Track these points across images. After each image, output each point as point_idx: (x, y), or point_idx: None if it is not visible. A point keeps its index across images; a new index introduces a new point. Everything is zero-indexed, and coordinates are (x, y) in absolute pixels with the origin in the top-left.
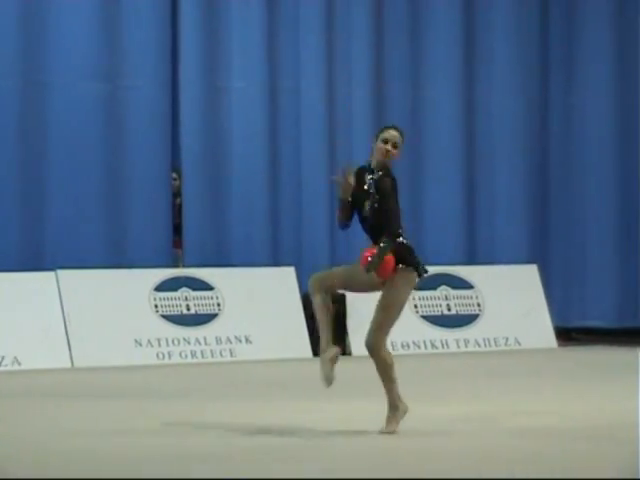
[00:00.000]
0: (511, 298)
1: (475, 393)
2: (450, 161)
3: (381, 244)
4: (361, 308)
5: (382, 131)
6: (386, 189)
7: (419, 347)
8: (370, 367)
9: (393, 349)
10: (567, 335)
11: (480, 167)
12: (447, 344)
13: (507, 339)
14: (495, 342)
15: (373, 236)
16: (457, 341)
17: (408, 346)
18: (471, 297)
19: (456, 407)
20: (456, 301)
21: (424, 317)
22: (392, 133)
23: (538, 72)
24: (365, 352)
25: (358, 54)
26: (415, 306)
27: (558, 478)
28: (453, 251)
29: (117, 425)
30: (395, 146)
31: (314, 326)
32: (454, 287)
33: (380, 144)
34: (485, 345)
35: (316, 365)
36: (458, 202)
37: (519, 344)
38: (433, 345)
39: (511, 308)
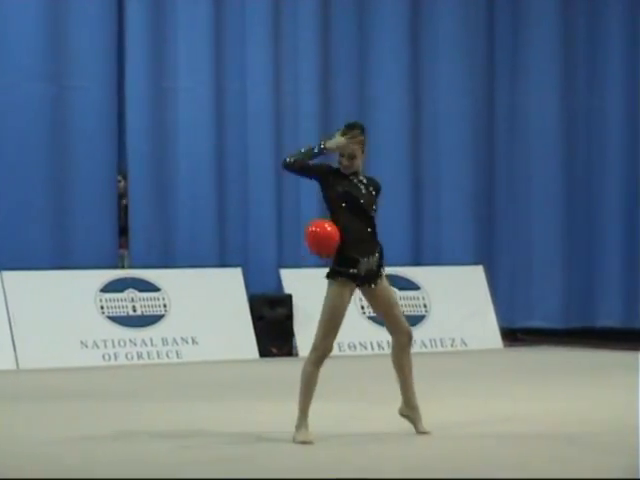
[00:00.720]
0: (457, 299)
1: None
2: (396, 161)
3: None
4: (306, 309)
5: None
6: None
7: (365, 348)
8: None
9: (340, 350)
10: (512, 336)
11: (426, 167)
12: None
13: (453, 340)
14: (441, 343)
15: (372, 238)
16: None
17: (355, 347)
18: (417, 298)
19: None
20: (402, 302)
21: (370, 318)
22: (342, 149)
23: (484, 71)
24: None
25: (304, 54)
26: (362, 307)
27: (558, 478)
28: (399, 252)
29: (65, 428)
30: (351, 157)
31: (261, 326)
32: (400, 288)
33: (339, 159)
34: (431, 346)
35: (262, 366)
36: (404, 202)
37: (465, 345)
38: (380, 346)
39: (457, 309)
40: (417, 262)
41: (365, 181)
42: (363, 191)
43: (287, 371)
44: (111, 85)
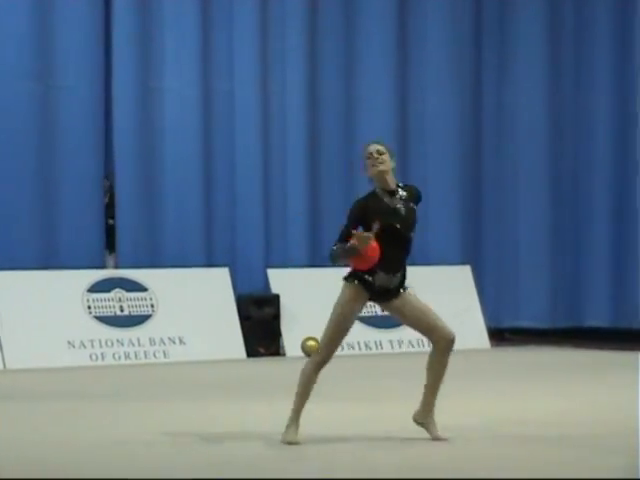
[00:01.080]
0: (445, 299)
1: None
2: None
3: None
4: (293, 309)
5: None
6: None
7: (353, 348)
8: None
9: None
10: (500, 335)
11: (413, 168)
12: (381, 345)
13: None
14: (428, 343)
15: (400, 259)
16: (391, 342)
17: (342, 347)
18: None
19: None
20: None
21: (358, 318)
22: (369, 149)
23: (471, 70)
24: (298, 353)
25: (292, 53)
26: None
27: (557, 478)
28: None
29: (52, 429)
30: (380, 152)
31: (248, 326)
32: None
33: (366, 162)
34: (418, 345)
35: (249, 366)
36: None
37: None
38: (367, 346)
39: (445, 309)
40: None
41: (404, 197)
42: (403, 213)
43: (274, 371)
44: (98, 84)
